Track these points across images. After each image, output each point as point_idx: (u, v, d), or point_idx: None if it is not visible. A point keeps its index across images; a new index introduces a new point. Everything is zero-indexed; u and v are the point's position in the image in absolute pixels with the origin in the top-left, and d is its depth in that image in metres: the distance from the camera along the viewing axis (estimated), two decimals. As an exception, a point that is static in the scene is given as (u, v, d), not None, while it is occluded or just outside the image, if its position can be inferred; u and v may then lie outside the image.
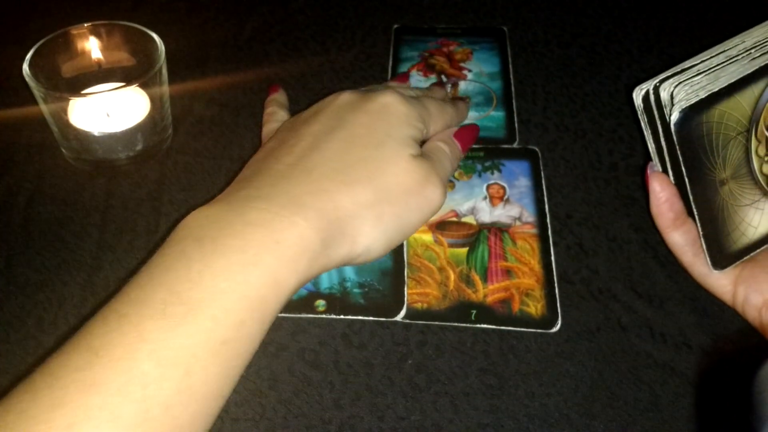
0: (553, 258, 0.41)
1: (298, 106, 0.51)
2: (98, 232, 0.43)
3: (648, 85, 0.35)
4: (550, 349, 0.37)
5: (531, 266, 0.41)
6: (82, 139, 0.44)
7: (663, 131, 0.35)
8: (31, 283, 0.40)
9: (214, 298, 0.28)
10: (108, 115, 0.45)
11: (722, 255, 0.36)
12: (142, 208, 0.44)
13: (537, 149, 0.47)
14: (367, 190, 0.34)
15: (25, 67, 0.42)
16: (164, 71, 0.44)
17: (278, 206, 0.32)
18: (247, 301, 0.29)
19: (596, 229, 0.43)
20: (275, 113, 0.44)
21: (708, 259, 0.36)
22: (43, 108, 0.43)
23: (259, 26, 0.58)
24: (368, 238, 0.34)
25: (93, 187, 0.46)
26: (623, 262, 0.41)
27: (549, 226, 0.43)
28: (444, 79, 0.53)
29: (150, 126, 0.46)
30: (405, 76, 0.51)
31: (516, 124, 0.49)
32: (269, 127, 0.43)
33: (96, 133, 0.44)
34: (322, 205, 0.33)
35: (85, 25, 0.46)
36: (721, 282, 0.37)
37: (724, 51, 0.36)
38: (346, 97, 0.39)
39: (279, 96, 0.47)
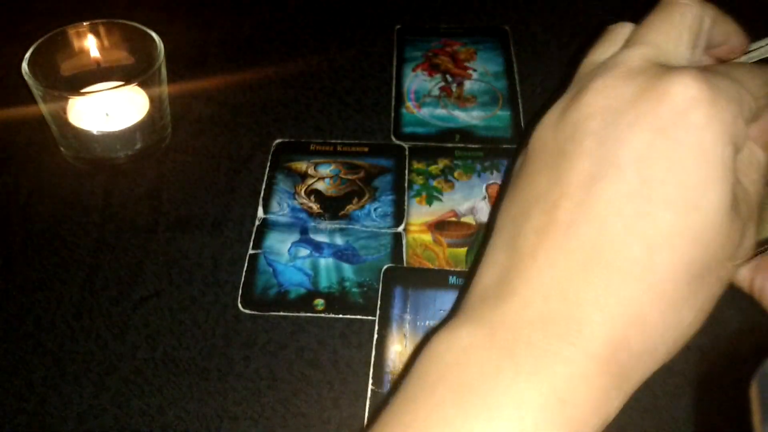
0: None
1: (297, 106, 0.51)
2: (97, 230, 0.43)
3: None
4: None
5: (530, 266, 0.41)
6: (81, 137, 0.44)
7: None
8: (29, 281, 0.40)
9: None
10: (107, 114, 0.45)
11: None
12: (141, 207, 0.44)
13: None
14: (686, 299, 0.23)
15: (24, 65, 0.42)
16: (163, 70, 0.44)
17: (554, 337, 0.22)
18: None
19: (596, 229, 0.43)
20: (614, 36, 0.29)
21: None
22: (42, 107, 0.43)
23: (258, 25, 0.58)
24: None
25: (92, 186, 0.45)
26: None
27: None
28: (449, 78, 0.53)
29: (149, 125, 0.46)
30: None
31: (522, 124, 0.49)
32: (592, 57, 0.29)
33: (95, 132, 0.44)
34: (616, 333, 0.22)
35: (84, 23, 0.46)
36: (740, 270, 0.34)
37: None
38: (616, 86, 0.25)
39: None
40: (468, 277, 0.27)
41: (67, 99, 0.44)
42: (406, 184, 0.45)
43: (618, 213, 0.23)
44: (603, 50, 0.29)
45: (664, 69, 0.25)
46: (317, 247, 0.41)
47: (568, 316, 0.22)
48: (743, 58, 0.30)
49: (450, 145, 0.48)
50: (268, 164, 0.46)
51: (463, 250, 0.41)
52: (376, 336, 0.37)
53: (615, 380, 0.22)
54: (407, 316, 0.38)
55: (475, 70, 0.53)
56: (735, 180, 0.24)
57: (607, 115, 0.24)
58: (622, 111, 0.24)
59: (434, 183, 0.45)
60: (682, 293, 0.23)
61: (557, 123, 0.27)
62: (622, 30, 0.29)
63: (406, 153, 0.47)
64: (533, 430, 0.21)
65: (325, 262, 0.41)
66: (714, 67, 0.27)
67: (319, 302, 0.39)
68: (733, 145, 0.23)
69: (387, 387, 0.35)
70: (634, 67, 0.25)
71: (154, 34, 0.45)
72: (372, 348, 0.37)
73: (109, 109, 0.45)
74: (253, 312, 0.39)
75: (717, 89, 0.23)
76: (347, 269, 0.40)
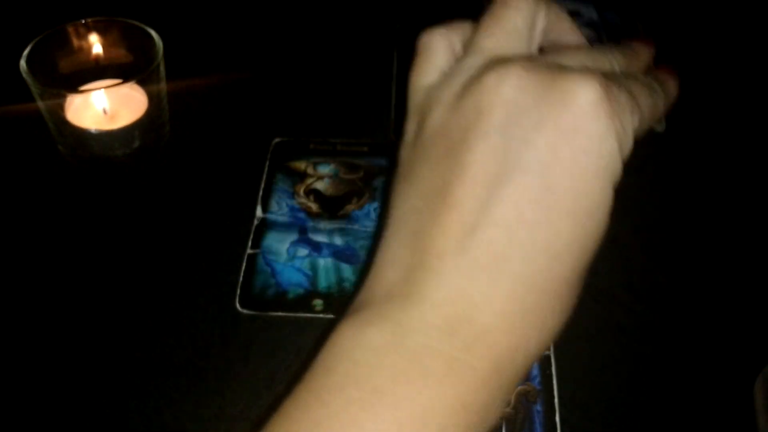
0: (552, 259, 0.41)
1: (296, 106, 0.50)
2: (94, 229, 0.43)
3: None
4: (549, 350, 0.37)
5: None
6: (79, 136, 0.44)
7: None
8: (26, 281, 0.40)
9: None
10: (105, 112, 0.45)
11: None
12: (139, 206, 0.44)
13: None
14: (572, 298, 0.24)
15: (23, 63, 0.42)
16: (162, 68, 0.44)
17: (461, 344, 0.23)
18: None
19: (596, 230, 0.43)
20: (434, 53, 0.30)
21: None
22: (40, 104, 0.43)
23: (258, 25, 0.58)
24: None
25: (89, 184, 0.45)
26: (623, 263, 0.41)
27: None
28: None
29: (147, 123, 0.45)
30: (644, 41, 0.31)
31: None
32: (416, 83, 0.30)
33: (93, 131, 0.44)
34: (515, 339, 0.23)
35: (83, 21, 0.46)
36: None
37: None
38: (520, 82, 0.25)
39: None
40: (368, 260, 0.26)
41: (65, 97, 0.43)
42: (405, 185, 0.45)
43: (523, 220, 0.23)
44: (430, 69, 0.29)
45: (565, 68, 0.25)
46: (316, 247, 0.41)
47: (473, 323, 0.23)
48: None
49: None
50: (267, 163, 0.46)
51: (462, 251, 0.41)
52: (375, 337, 0.37)
53: (507, 383, 0.23)
54: None
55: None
56: None
57: (511, 109, 0.24)
58: (527, 108, 0.24)
59: (434, 183, 0.45)
60: (573, 296, 0.24)
61: (458, 103, 0.26)
62: (437, 45, 0.30)
63: (406, 153, 0.47)
64: (428, 425, 0.22)
65: (324, 262, 0.41)
66: (614, 76, 0.27)
67: (318, 302, 0.39)
68: (622, 158, 0.24)
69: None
70: (532, 64, 0.25)
71: (153, 32, 0.45)
72: (371, 349, 0.36)
73: (108, 108, 0.45)
74: (251, 312, 0.38)
75: (616, 102, 0.24)
76: (346, 269, 0.40)
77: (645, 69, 0.30)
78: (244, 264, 0.40)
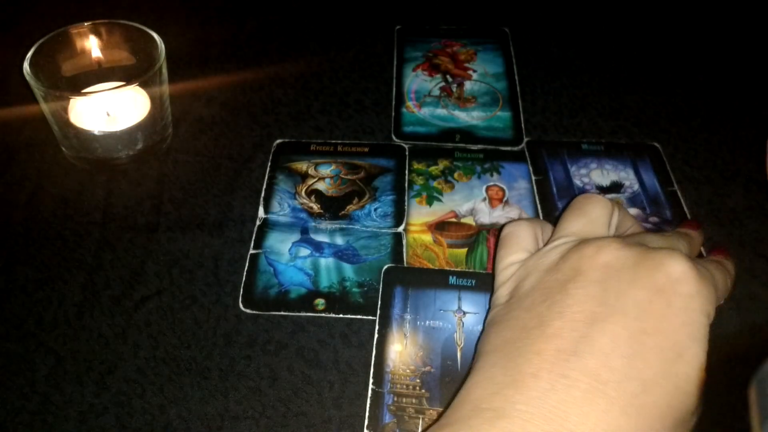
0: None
1: (298, 106, 0.51)
2: (98, 230, 0.43)
3: None
4: None
5: (530, 266, 0.41)
6: (83, 138, 0.45)
7: None
8: (31, 281, 0.40)
9: None
10: (108, 114, 0.45)
11: None
12: (142, 207, 0.44)
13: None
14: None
15: (26, 65, 0.42)
16: (164, 70, 0.44)
17: None
18: None
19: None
20: (521, 237, 0.34)
21: None
22: (44, 107, 0.43)
23: (259, 26, 0.58)
24: None
25: (93, 185, 0.46)
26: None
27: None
28: (449, 79, 0.53)
29: (150, 125, 0.46)
30: (694, 225, 0.37)
31: (523, 125, 0.49)
32: (506, 260, 0.33)
33: (96, 132, 0.44)
34: None
35: (86, 24, 0.46)
36: None
37: None
38: (618, 252, 0.28)
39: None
40: (452, 398, 0.28)
41: (68, 99, 0.44)
42: (406, 185, 0.45)
43: (619, 351, 0.26)
44: (518, 249, 0.33)
45: (653, 248, 0.29)
46: (318, 247, 0.42)
47: None
48: None
49: (450, 145, 0.48)
50: (269, 164, 0.47)
51: (463, 251, 0.41)
52: (376, 336, 0.37)
53: None
54: (407, 316, 0.38)
55: (475, 71, 0.53)
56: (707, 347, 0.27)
57: (608, 271, 0.28)
58: (623, 270, 0.28)
59: (434, 184, 0.45)
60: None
61: (556, 267, 0.30)
62: (524, 231, 0.34)
63: (407, 153, 0.47)
64: None
65: (326, 262, 0.41)
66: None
67: (320, 302, 0.39)
68: (707, 317, 0.28)
69: (387, 386, 0.35)
70: (625, 241, 0.29)
71: (155, 35, 0.45)
72: (372, 348, 0.37)
73: (111, 110, 0.45)
74: (253, 312, 0.39)
75: (701, 272, 0.28)
76: (348, 269, 0.41)
77: (697, 250, 0.36)
78: (247, 264, 0.41)
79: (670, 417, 0.25)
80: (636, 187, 0.44)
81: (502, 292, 0.32)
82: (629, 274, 0.28)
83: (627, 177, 0.45)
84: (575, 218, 0.33)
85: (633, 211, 0.43)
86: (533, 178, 0.45)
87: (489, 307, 0.33)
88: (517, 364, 0.26)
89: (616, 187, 0.44)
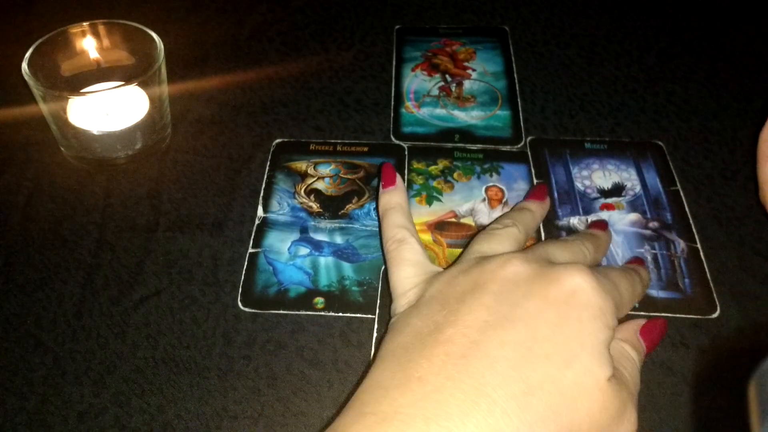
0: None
1: (297, 106, 0.51)
2: (97, 230, 0.43)
3: None
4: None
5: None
6: (82, 137, 0.45)
7: None
8: (30, 281, 0.40)
9: None
10: (107, 113, 0.45)
11: None
12: (141, 207, 0.44)
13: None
14: None
15: (24, 65, 0.42)
16: (163, 70, 0.44)
17: None
18: None
19: (595, 228, 0.43)
20: (405, 244, 0.36)
21: None
22: (43, 107, 0.43)
23: (258, 25, 0.58)
24: None
25: (92, 185, 0.46)
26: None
27: (544, 229, 0.43)
28: (448, 78, 0.53)
29: (149, 125, 0.46)
30: (542, 192, 0.40)
31: (522, 124, 0.49)
32: (401, 273, 0.34)
33: (95, 132, 0.44)
34: None
35: (85, 23, 0.46)
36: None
37: None
38: (517, 267, 0.30)
39: (398, 195, 0.38)
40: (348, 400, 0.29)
41: (67, 99, 0.44)
42: (405, 184, 0.45)
43: (506, 356, 0.27)
44: (491, 244, 0.35)
45: (555, 264, 0.31)
46: (317, 245, 0.42)
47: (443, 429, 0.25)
48: None
49: (450, 145, 0.48)
50: (268, 164, 0.46)
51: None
52: (375, 334, 0.37)
53: None
54: None
55: (474, 70, 0.53)
56: (611, 360, 0.28)
57: (506, 284, 0.29)
58: (520, 282, 0.29)
59: (434, 183, 0.45)
60: None
61: (456, 278, 0.31)
62: (507, 234, 0.36)
63: (406, 153, 0.47)
64: None
65: (325, 260, 0.41)
66: (597, 268, 0.32)
67: (319, 301, 0.39)
68: (605, 327, 0.28)
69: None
70: (528, 257, 0.31)
71: (154, 34, 0.45)
72: (372, 346, 0.37)
73: (110, 109, 0.45)
74: (253, 311, 0.39)
75: (598, 282, 0.29)
76: (347, 268, 0.40)
77: (605, 251, 0.38)
78: (246, 263, 0.41)
79: (554, 422, 0.26)
80: (638, 188, 0.44)
81: (402, 302, 0.33)
82: (525, 287, 0.29)
83: (629, 177, 0.45)
84: (484, 240, 0.35)
85: (633, 216, 0.43)
86: (534, 181, 0.45)
87: (390, 317, 0.34)
88: (406, 369, 0.27)
89: (617, 190, 0.44)
